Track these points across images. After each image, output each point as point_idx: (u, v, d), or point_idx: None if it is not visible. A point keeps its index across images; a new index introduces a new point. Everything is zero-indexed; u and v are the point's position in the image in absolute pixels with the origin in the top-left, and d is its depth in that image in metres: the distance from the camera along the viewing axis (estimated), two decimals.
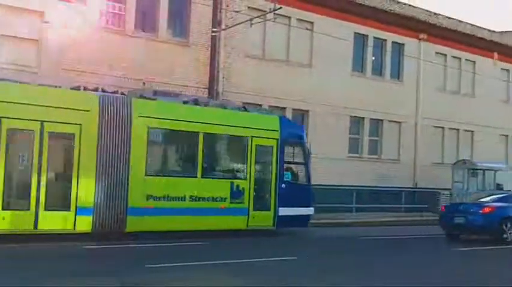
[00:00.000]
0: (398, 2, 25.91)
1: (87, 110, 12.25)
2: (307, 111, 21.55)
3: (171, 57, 18.99)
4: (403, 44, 26.00)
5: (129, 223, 12.58)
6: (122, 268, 9.35)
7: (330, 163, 21.81)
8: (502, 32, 30.86)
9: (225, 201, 13.98)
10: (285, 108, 21.25)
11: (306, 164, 15.82)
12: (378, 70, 25.41)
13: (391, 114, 25.24)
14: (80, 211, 12.03)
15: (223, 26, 19.83)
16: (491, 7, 71.04)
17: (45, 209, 11.71)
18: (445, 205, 18.24)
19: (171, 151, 14.25)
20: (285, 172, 15.15)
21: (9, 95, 11.49)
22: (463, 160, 26.97)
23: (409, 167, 26.01)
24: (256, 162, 14.65)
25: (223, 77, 20.26)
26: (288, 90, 21.56)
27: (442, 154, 27.62)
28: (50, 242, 11.51)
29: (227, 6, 20.03)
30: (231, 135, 14.57)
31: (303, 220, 15.38)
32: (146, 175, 12.91)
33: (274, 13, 18.53)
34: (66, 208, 11.97)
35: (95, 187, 12.19)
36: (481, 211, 15.49)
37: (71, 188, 12.03)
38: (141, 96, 13.55)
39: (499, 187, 27.80)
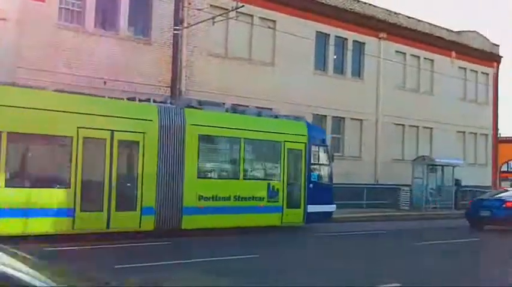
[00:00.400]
0: (359, 1, 26.26)
1: (150, 120, 13.51)
2: (271, 109, 21.57)
3: (133, 55, 18.75)
4: (363, 43, 26.37)
5: (184, 222, 13.77)
6: (90, 269, 9.14)
7: None
8: (459, 32, 31.65)
9: (263, 200, 15.34)
10: (247, 106, 21.21)
11: (328, 165, 17.45)
12: (340, 68, 25.71)
13: (353, 112, 25.56)
14: (144, 211, 13.17)
15: (185, 24, 19.70)
16: (450, 7, 72.69)
17: (116, 210, 12.71)
18: (472, 201, 20.92)
19: (217, 155, 15.61)
20: (311, 173, 16.62)
21: (85, 107, 12.65)
22: (423, 156, 27.56)
23: (370, 164, 26.40)
24: (288, 164, 16.12)
25: (186, 76, 20.14)
26: (251, 89, 21.58)
27: (402, 151, 28.14)
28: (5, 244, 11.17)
29: (189, 4, 19.91)
30: (267, 140, 15.96)
31: (327, 215, 17.05)
32: (198, 177, 14.23)
33: (237, 11, 18.50)
34: (133, 208, 13.06)
35: (156, 188, 13.38)
36: (504, 205, 18.12)
37: (136, 190, 13.18)
38: (189, 106, 14.76)
39: (457, 183, 28.56)
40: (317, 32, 24.37)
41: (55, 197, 12.00)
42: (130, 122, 13.12)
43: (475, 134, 32.38)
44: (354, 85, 25.90)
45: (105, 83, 17.31)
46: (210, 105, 15.39)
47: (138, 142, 13.18)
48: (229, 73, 21.23)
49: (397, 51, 27.86)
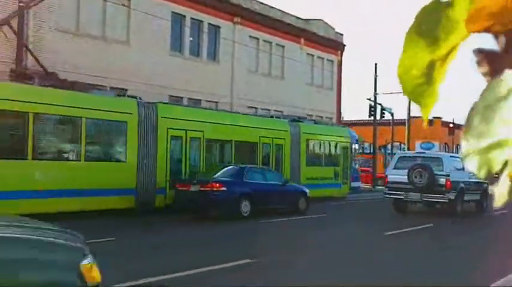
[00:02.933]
0: None
1: (286, 131, 22.17)
2: (126, 90, 21.00)
3: None
4: (218, 26, 26.64)
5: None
6: None
7: None
8: (307, 20, 33.23)
9: (331, 179, 24.44)
10: (105, 86, 20.45)
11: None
12: (196, 51, 25.75)
13: (208, 94, 25.78)
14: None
15: None
16: None
17: None
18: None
19: (312, 151, 24.09)
20: (351, 161, 26.61)
21: (262, 124, 21.66)
22: None
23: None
24: (342, 157, 25.45)
25: (33, 53, 18.80)
26: (105, 68, 20.80)
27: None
28: None
29: None
30: (333, 141, 24.95)
31: (358, 188, 27.79)
32: (306, 166, 23.04)
33: None
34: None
35: (290, 172, 21.77)
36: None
37: (282, 172, 20.98)
38: (294, 121, 23.52)
39: None
40: (173, 12, 24.12)
41: None
42: (280, 133, 21.76)
43: (322, 117, 34.28)
44: (209, 68, 26.12)
45: None
46: (304, 119, 24.98)
47: (282, 145, 21.78)
48: (81, 51, 20.24)
49: (250, 36, 28.56)
